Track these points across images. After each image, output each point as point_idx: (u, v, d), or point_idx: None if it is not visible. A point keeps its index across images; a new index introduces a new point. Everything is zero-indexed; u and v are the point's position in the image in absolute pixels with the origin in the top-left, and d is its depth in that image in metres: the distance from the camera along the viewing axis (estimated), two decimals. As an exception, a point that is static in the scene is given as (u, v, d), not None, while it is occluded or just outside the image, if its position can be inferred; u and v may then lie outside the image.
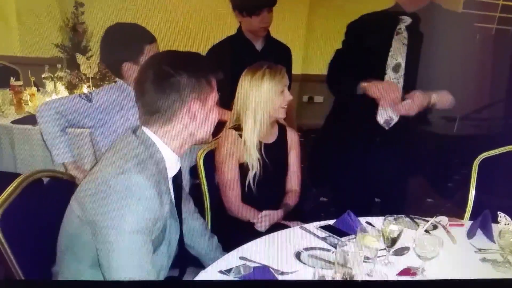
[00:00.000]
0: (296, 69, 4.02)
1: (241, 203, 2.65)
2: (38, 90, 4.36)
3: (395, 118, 2.93)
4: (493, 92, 3.17)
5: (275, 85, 2.59)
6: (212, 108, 1.94)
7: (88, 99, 2.67)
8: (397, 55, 2.91)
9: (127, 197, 1.70)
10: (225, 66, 3.19)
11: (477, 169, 2.86)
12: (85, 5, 4.17)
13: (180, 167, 2.02)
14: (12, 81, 4.19)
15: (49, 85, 4.37)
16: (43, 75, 4.41)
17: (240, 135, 2.62)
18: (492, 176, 2.84)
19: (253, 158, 2.62)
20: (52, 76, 4.35)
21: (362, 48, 2.97)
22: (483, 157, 2.88)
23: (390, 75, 2.94)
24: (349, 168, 3.08)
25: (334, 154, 3.18)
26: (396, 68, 2.93)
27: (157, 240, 1.87)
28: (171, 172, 1.95)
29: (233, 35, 3.50)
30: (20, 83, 4.21)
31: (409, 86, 2.89)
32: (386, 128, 2.96)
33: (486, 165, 2.86)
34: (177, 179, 2.01)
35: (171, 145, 1.90)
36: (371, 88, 2.86)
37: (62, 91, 4.28)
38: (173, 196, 2.00)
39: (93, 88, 3.93)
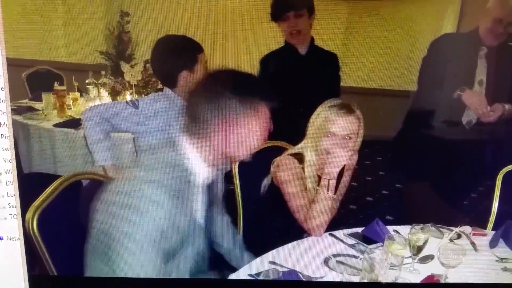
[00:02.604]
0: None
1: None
2: (81, 95, 4.44)
3: (474, 121, 3.59)
4: None
5: (329, 120, 2.46)
6: (252, 133, 1.95)
7: (135, 106, 2.74)
8: (481, 73, 3.56)
9: (139, 210, 1.73)
10: (272, 75, 3.29)
11: (501, 180, 2.90)
12: (131, 15, 4.21)
13: (215, 176, 2.04)
14: (56, 85, 4.23)
15: (92, 91, 4.43)
16: (86, 81, 4.47)
17: (302, 168, 2.55)
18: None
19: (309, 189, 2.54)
20: (96, 82, 4.42)
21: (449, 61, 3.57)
22: (508, 170, 2.92)
23: (476, 87, 3.58)
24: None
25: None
26: (480, 83, 3.57)
27: (175, 246, 1.92)
28: (201, 180, 1.96)
29: (281, 46, 3.50)
30: (64, 87, 4.24)
31: (489, 96, 3.56)
32: (467, 127, 3.60)
33: (510, 178, 2.90)
34: (210, 187, 2.05)
35: (205, 156, 1.92)
36: (467, 95, 3.51)
37: (105, 97, 4.34)
38: (203, 204, 2.04)
39: (136, 95, 3.96)
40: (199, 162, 1.92)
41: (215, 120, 1.87)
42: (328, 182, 2.44)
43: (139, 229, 1.74)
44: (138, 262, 1.78)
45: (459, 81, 3.59)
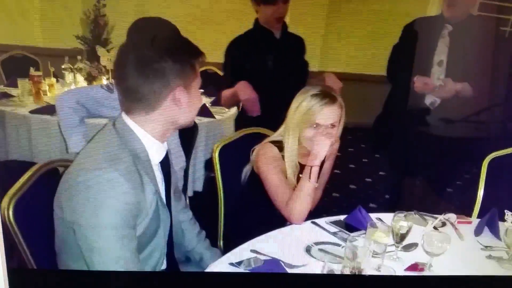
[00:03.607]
0: (313, 66, 4.03)
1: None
2: (57, 81, 4.41)
3: (438, 101, 3.59)
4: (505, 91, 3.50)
5: (312, 110, 2.41)
6: (196, 93, 1.89)
7: (110, 90, 2.69)
8: (441, 53, 3.54)
9: (100, 194, 1.68)
10: (246, 57, 3.26)
11: (486, 168, 2.88)
12: None
13: (167, 153, 1.97)
14: (32, 71, 4.20)
15: (69, 76, 4.40)
16: (62, 66, 4.43)
17: (282, 156, 2.51)
18: (500, 175, 2.86)
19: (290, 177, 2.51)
20: (71, 67, 4.38)
21: (414, 46, 3.55)
22: (493, 157, 2.90)
23: (435, 68, 3.57)
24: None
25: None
26: (440, 64, 3.56)
27: (150, 229, 1.88)
28: (156, 158, 1.91)
29: (251, 29, 3.47)
30: (40, 73, 4.20)
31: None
32: (431, 108, 3.61)
33: (495, 165, 2.89)
34: (164, 165, 1.97)
35: (153, 132, 1.85)
36: (417, 82, 3.55)
37: (82, 82, 4.31)
38: (161, 183, 1.97)
39: (112, 80, 3.95)
40: (146, 137, 1.85)
41: (154, 90, 1.78)
42: (311, 170, 2.40)
43: (107, 215, 1.70)
44: (113, 252, 1.74)
45: (421, 64, 3.61)
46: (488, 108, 3.62)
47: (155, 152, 1.89)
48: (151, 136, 1.85)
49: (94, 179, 1.68)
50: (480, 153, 2.95)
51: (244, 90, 3.20)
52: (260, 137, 2.71)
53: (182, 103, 1.83)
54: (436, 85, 3.58)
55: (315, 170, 2.41)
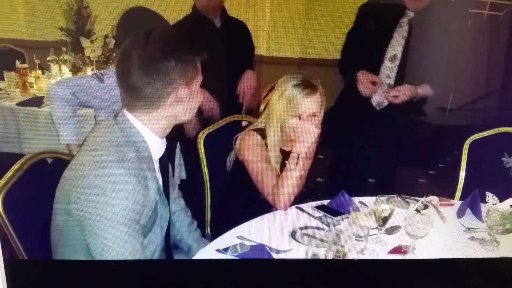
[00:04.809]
0: (294, 53, 4.03)
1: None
2: (43, 73, 4.41)
3: (386, 102, 3.19)
4: (484, 81, 3.29)
5: (295, 100, 2.42)
6: (197, 91, 1.90)
7: (100, 79, 2.66)
8: (396, 46, 3.07)
9: (110, 192, 1.69)
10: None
11: (467, 150, 2.90)
12: None
13: (166, 148, 1.98)
14: (18, 64, 4.21)
15: (54, 68, 4.39)
16: (48, 58, 4.43)
17: (266, 143, 2.53)
18: (481, 157, 2.88)
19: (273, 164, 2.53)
20: (57, 59, 4.37)
21: (367, 35, 3.12)
22: (473, 139, 2.92)
23: (386, 64, 3.12)
24: (348, 146, 3.23)
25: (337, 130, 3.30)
26: (393, 59, 3.10)
27: (149, 222, 1.88)
28: (157, 154, 1.92)
29: (189, 14, 3.35)
30: (26, 66, 4.22)
31: (400, 76, 3.10)
32: (377, 109, 3.20)
33: (476, 147, 2.90)
34: (163, 160, 1.98)
35: (154, 129, 1.85)
36: (360, 78, 3.17)
37: (67, 74, 4.30)
38: (160, 178, 1.98)
39: (97, 71, 3.94)
40: (148, 133, 1.85)
41: (157, 89, 1.79)
42: (298, 157, 2.42)
43: (118, 212, 1.71)
44: (126, 247, 1.76)
45: (369, 58, 3.20)
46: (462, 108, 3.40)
47: (156, 148, 1.90)
48: (152, 133, 1.86)
49: (105, 177, 1.69)
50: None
51: (206, 101, 3.14)
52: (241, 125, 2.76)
53: (184, 101, 1.84)
54: (382, 85, 3.17)
55: (302, 157, 2.44)
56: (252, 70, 3.52)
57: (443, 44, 3.04)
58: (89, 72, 4.11)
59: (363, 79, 3.17)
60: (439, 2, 3.16)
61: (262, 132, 2.54)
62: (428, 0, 3.07)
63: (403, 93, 3.10)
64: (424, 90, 3.13)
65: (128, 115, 1.83)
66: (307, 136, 2.43)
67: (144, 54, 1.76)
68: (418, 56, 3.08)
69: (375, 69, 3.19)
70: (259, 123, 2.58)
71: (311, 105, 2.44)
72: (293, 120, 2.46)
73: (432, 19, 3.04)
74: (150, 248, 1.96)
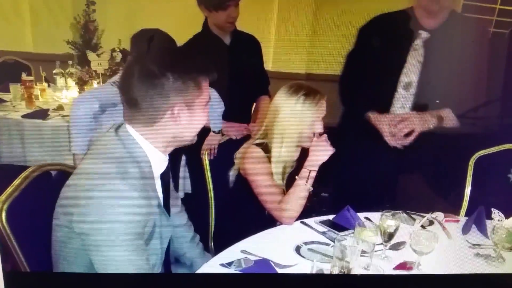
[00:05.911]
0: (300, 68, 4.03)
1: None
2: (48, 85, 4.43)
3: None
4: (490, 92, 3.11)
5: (309, 111, 2.41)
6: (199, 111, 1.84)
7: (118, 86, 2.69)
8: (411, 72, 2.83)
9: (113, 209, 1.67)
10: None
11: (472, 167, 2.88)
12: (97, 3, 4.18)
13: (168, 164, 1.95)
14: (24, 76, 4.21)
15: (60, 81, 4.41)
16: (54, 71, 4.45)
17: (268, 157, 2.50)
18: (487, 173, 2.86)
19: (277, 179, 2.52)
20: (63, 72, 4.39)
21: (374, 61, 2.88)
22: (479, 156, 2.90)
23: (401, 93, 2.89)
24: (352, 164, 3.13)
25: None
26: (407, 87, 2.87)
27: (148, 235, 1.85)
28: (158, 170, 1.89)
29: (199, 33, 3.37)
30: (32, 78, 4.21)
31: (418, 105, 2.88)
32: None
33: (482, 163, 2.89)
34: (164, 176, 1.95)
35: (156, 144, 1.82)
36: (374, 121, 2.94)
37: (73, 87, 4.32)
38: (161, 194, 1.96)
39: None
40: (149, 147, 1.82)
41: (152, 104, 1.75)
42: (309, 174, 2.41)
43: (122, 229, 1.69)
44: (131, 263, 1.74)
45: (378, 87, 2.89)
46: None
47: (158, 163, 1.87)
48: (153, 147, 1.82)
49: (108, 194, 1.67)
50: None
51: (230, 128, 3.14)
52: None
53: (182, 120, 1.79)
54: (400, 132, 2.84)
55: (313, 174, 2.42)
56: (268, 97, 3.49)
57: (464, 67, 2.71)
58: (95, 85, 4.12)
59: (385, 128, 2.90)
60: (456, 18, 2.88)
61: (263, 147, 2.52)
62: (445, 17, 2.81)
63: (408, 123, 2.85)
64: (447, 115, 2.85)
65: (130, 128, 1.81)
66: (321, 153, 2.41)
67: (144, 68, 1.74)
68: (437, 82, 2.80)
69: (386, 100, 2.95)
70: (258, 138, 2.57)
71: (323, 110, 2.45)
72: (308, 130, 2.44)
73: (450, 39, 2.77)
74: (150, 261, 1.93)
